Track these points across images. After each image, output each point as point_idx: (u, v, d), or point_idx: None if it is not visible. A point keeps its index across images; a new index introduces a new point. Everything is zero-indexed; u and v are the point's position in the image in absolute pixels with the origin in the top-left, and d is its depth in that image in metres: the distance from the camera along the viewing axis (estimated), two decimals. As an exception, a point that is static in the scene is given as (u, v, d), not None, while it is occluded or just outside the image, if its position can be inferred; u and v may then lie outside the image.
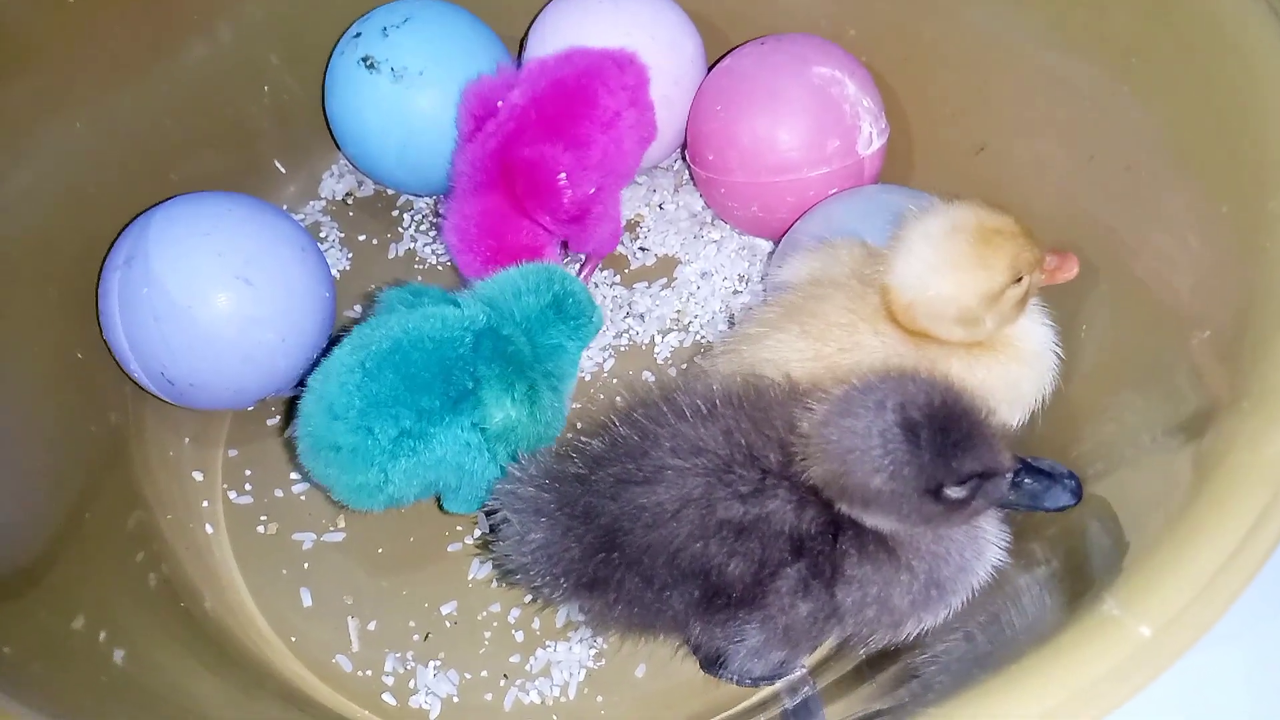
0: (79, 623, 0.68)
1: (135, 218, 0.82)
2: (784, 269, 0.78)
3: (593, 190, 0.86)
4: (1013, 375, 0.70)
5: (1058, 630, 0.48)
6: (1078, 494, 0.62)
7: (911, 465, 0.59)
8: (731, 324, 0.92)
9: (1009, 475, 0.62)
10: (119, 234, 0.82)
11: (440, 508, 0.80)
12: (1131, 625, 0.45)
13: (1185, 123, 0.66)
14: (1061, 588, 0.59)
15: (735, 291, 0.95)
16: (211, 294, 0.79)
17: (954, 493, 0.59)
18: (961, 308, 0.69)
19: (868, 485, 0.60)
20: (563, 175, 0.84)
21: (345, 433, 0.71)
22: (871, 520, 0.62)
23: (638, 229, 0.99)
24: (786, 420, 0.64)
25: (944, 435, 0.59)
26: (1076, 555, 0.61)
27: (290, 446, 0.87)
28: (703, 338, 0.92)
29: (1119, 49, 0.71)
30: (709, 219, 0.99)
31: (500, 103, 0.87)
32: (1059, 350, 0.72)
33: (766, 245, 0.96)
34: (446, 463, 0.73)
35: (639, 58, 0.90)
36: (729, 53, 0.92)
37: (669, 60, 0.92)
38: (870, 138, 0.87)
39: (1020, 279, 0.69)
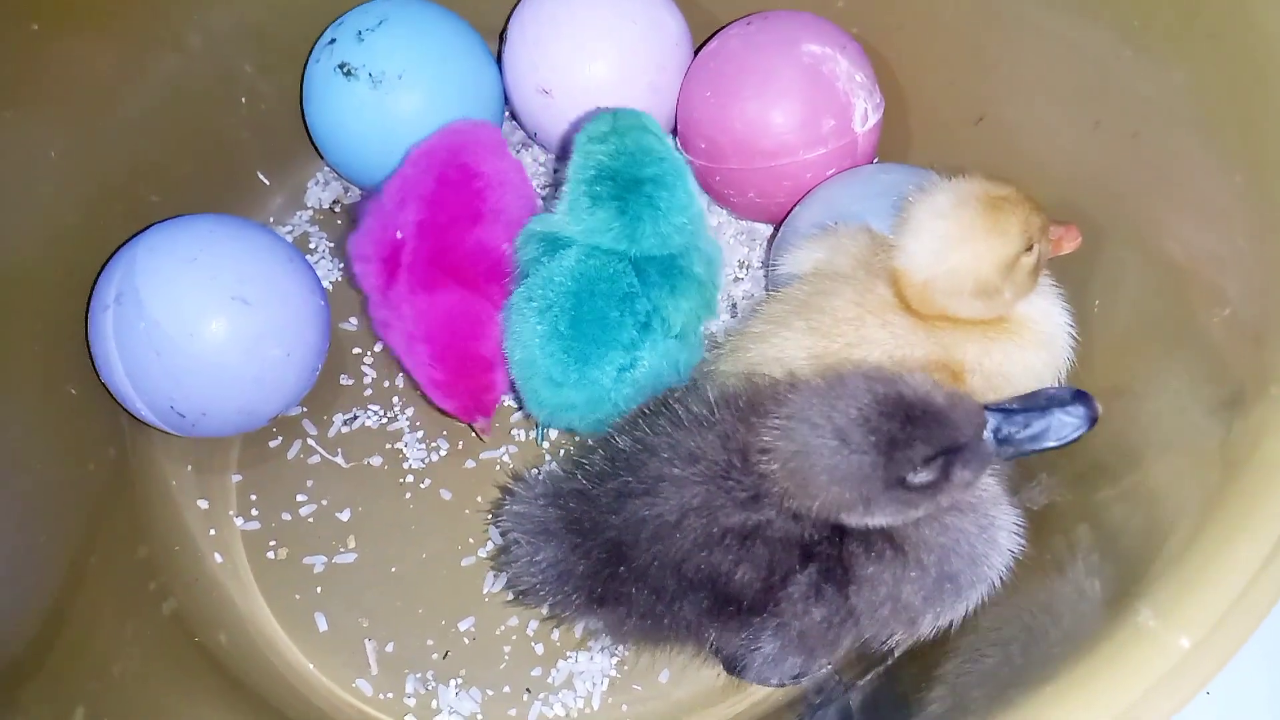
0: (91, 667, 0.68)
1: (118, 248, 0.80)
2: (787, 260, 0.76)
3: None
4: (1029, 359, 0.69)
5: (1093, 642, 0.46)
6: (1089, 417, 0.58)
7: (859, 471, 0.57)
8: (734, 312, 0.90)
9: (989, 435, 0.59)
10: (102, 267, 0.80)
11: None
12: (1170, 637, 0.44)
13: (1194, 87, 0.64)
14: (1095, 587, 0.57)
15: (736, 278, 0.93)
16: (211, 319, 0.77)
17: (920, 479, 0.58)
18: (980, 279, 0.67)
19: (830, 499, 0.59)
20: (507, 246, 0.81)
21: (574, 390, 0.75)
22: (858, 522, 0.60)
23: (633, 219, 0.97)
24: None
25: (878, 432, 0.57)
26: (1107, 552, 0.59)
27: (295, 466, 0.87)
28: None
29: (1121, 10, 0.68)
30: (706, 204, 0.96)
31: (399, 233, 0.82)
32: (1074, 331, 0.70)
33: (766, 229, 0.94)
34: (661, 371, 0.76)
35: (479, 120, 0.88)
36: (715, 34, 0.89)
37: (652, 44, 0.89)
38: (865, 114, 0.84)
39: (1031, 247, 0.67)
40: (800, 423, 0.59)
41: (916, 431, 0.57)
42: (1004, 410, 0.59)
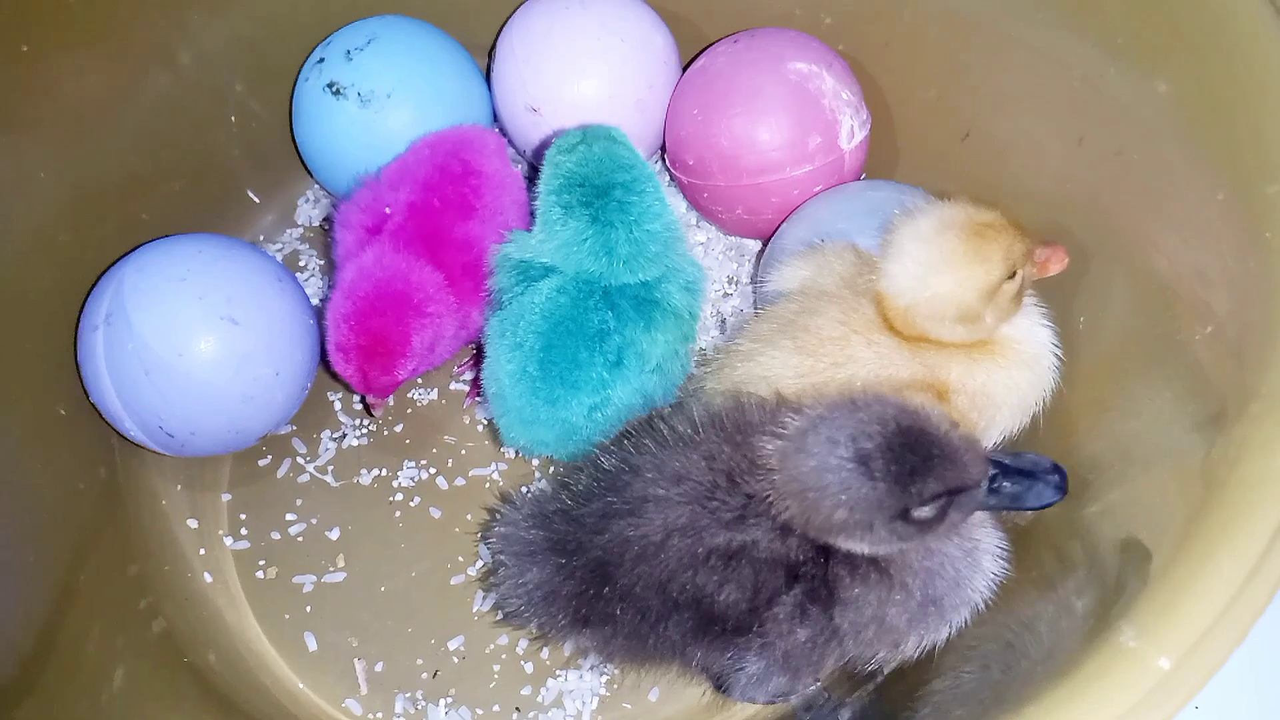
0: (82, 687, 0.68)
1: (107, 269, 0.81)
2: (774, 277, 0.77)
3: None
4: (1013, 379, 0.69)
5: (1074, 662, 0.47)
6: (1062, 488, 0.61)
7: (870, 499, 0.57)
8: (723, 328, 0.91)
9: (984, 483, 0.60)
10: (92, 286, 0.80)
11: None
12: (1151, 657, 0.44)
13: (1176, 105, 0.64)
14: (1076, 609, 0.58)
15: (725, 294, 0.93)
16: (200, 339, 0.77)
17: (921, 514, 0.58)
18: (961, 305, 0.67)
19: (831, 520, 0.59)
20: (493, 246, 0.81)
21: (545, 429, 0.75)
22: (848, 546, 0.61)
23: (622, 235, 0.97)
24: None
25: (900, 463, 0.57)
26: (1090, 573, 0.59)
27: (285, 485, 0.87)
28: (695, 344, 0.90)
29: (1106, 28, 0.69)
30: (694, 220, 0.96)
31: (388, 208, 0.83)
32: (1058, 351, 0.70)
33: (754, 245, 0.94)
34: (636, 404, 0.76)
35: (487, 127, 0.89)
36: (703, 51, 0.89)
37: (641, 62, 0.90)
38: (852, 131, 0.84)
39: (1015, 273, 0.67)
40: (817, 438, 0.59)
41: (933, 468, 0.57)
42: (1002, 465, 0.61)
